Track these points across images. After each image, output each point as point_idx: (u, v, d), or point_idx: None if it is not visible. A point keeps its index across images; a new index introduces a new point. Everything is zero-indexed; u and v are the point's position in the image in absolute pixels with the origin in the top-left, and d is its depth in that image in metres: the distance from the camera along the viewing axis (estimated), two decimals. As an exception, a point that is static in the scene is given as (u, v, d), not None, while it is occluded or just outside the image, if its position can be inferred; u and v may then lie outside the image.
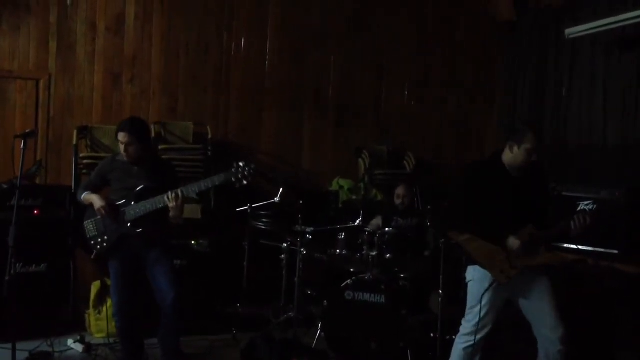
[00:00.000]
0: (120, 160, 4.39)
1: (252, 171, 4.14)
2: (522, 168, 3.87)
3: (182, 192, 4.15)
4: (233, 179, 4.15)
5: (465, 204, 3.95)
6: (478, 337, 3.85)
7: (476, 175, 4.00)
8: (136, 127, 4.28)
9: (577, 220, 3.64)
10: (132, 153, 4.26)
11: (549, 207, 4.00)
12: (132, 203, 4.28)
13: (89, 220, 4.41)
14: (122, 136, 4.23)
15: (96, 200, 4.31)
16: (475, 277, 3.92)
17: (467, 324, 3.93)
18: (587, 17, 5.97)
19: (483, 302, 3.81)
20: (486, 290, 3.80)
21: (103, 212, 4.28)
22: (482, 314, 3.81)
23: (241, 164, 4.16)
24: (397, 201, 5.89)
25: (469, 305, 3.96)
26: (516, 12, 6.88)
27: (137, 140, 4.25)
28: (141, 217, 4.26)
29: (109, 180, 4.43)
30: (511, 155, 3.87)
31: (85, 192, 4.41)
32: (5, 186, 5.11)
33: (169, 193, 4.15)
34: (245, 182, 4.14)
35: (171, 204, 4.14)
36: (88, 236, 4.40)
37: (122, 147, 4.26)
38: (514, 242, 3.75)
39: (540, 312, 3.79)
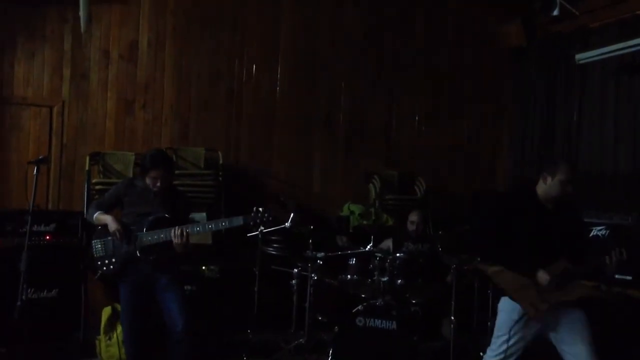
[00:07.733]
0: (139, 185, 4.43)
1: (270, 218, 4.26)
2: (557, 200, 3.82)
3: (187, 230, 4.21)
4: (251, 223, 4.27)
5: (496, 235, 3.87)
6: None
7: (509, 207, 3.95)
8: (168, 162, 4.41)
9: (613, 255, 3.57)
10: (162, 185, 4.33)
11: (585, 241, 3.91)
12: (144, 229, 4.30)
13: (98, 240, 4.41)
14: (156, 172, 4.28)
15: (111, 223, 4.31)
16: (505, 308, 3.84)
17: (491, 352, 3.86)
18: (597, 42, 5.99)
19: (512, 334, 3.73)
20: (516, 323, 3.72)
21: (118, 235, 4.30)
22: (509, 344, 3.74)
23: (260, 209, 4.26)
24: (411, 227, 5.89)
25: (495, 334, 3.89)
26: (526, 37, 6.89)
27: (168, 175, 4.37)
28: (153, 244, 4.28)
29: (122, 203, 4.46)
30: (545, 187, 3.83)
31: (98, 212, 4.42)
32: None
33: (175, 229, 4.20)
34: (262, 228, 4.24)
35: (176, 240, 4.20)
36: (95, 256, 4.40)
37: (153, 180, 4.30)
38: (543, 276, 3.68)
39: (573, 347, 3.69)
